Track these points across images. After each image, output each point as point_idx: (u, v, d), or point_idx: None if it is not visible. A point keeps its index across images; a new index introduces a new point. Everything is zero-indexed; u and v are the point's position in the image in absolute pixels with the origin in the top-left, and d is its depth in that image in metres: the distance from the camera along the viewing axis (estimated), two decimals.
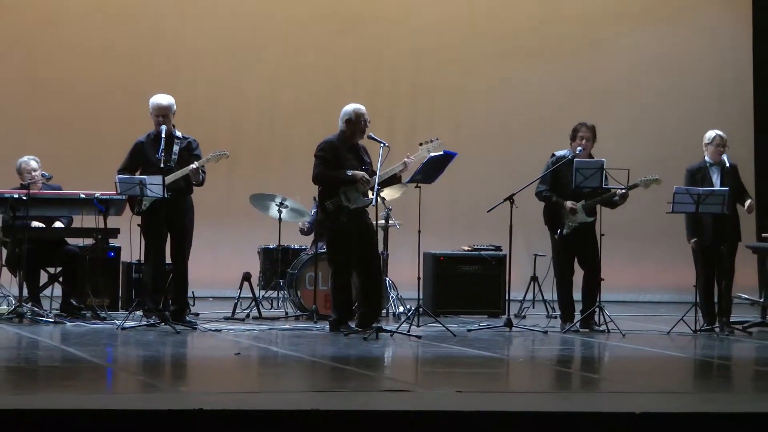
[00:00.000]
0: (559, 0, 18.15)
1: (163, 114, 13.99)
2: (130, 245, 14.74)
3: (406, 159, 13.77)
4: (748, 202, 14.35)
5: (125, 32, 17.20)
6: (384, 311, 14.22)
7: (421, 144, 13.89)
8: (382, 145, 13.71)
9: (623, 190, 14.29)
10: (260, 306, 15.09)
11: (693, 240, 14.66)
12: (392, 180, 13.87)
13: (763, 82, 16.52)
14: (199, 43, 17.28)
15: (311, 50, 17.37)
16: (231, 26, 17.43)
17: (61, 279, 14.88)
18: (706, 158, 14.61)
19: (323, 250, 14.46)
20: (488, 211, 14.40)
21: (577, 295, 14.55)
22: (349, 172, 13.45)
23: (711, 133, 14.79)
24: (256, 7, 17.33)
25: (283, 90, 16.98)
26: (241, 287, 15.19)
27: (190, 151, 13.91)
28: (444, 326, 14.15)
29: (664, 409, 9.52)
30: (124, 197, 14.05)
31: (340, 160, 13.56)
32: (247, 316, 14.90)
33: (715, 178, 14.59)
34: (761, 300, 15.10)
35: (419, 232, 14.44)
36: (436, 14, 17.79)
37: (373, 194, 13.58)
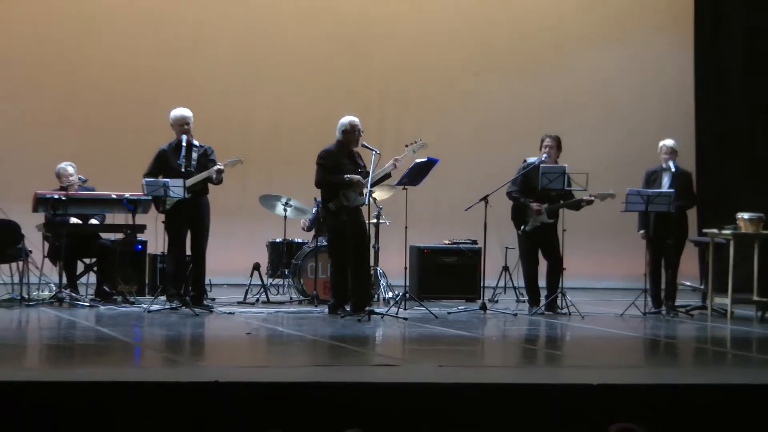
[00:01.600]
0: (529, 24, 18.10)
1: (183, 125, 14.03)
2: (156, 239, 14.86)
3: (395, 160, 13.86)
4: (680, 203, 14.48)
5: (150, 50, 17.12)
6: (375, 296, 14.27)
7: (406, 145, 13.90)
8: (374, 152, 13.81)
9: (583, 204, 14.43)
10: (268, 292, 15.08)
11: (641, 231, 14.81)
12: (384, 177, 14.01)
13: (703, 97, 16.57)
14: (215, 62, 17.23)
15: (312, 68, 17.35)
16: (243, 46, 17.36)
17: (95, 268, 14.87)
18: (661, 164, 14.74)
19: (322, 244, 14.54)
20: (466, 210, 14.40)
21: (542, 282, 14.64)
22: (347, 177, 13.59)
23: (661, 142, 14.91)
24: (266, 29, 17.24)
25: (287, 104, 16.98)
26: (251, 275, 15.18)
27: (206, 157, 13.93)
28: (427, 309, 14.16)
29: (618, 381, 9.55)
30: (149, 198, 14.08)
31: (339, 166, 13.61)
32: (257, 300, 14.89)
33: (665, 181, 14.63)
34: (701, 287, 15.17)
35: (406, 228, 14.47)
36: (420, 35, 17.76)
37: (365, 195, 13.72)
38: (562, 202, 14.38)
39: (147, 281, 15.12)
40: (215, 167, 13.80)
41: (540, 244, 14.59)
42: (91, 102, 16.99)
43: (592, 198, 14.50)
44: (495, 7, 17.99)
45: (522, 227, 14.54)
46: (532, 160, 14.62)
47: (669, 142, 14.88)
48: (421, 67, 17.77)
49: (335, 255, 13.94)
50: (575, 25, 18.24)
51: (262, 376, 9.73)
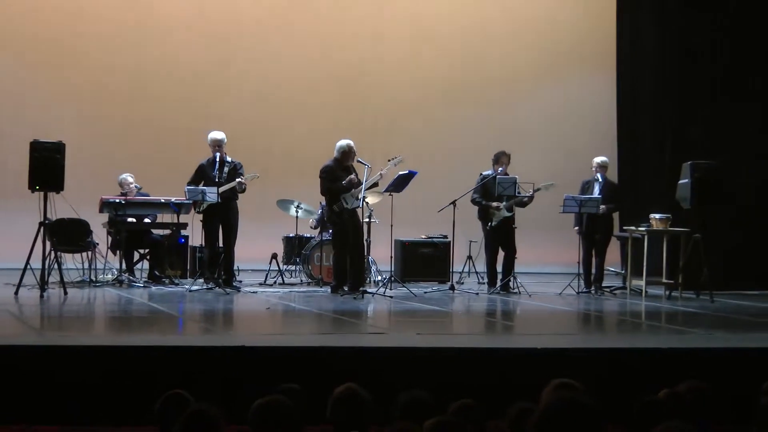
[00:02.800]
0: (488, 67, 18.02)
1: (217, 145, 14.00)
2: (192, 233, 14.75)
3: (381, 171, 13.86)
4: (603, 207, 14.51)
5: (191, 84, 17.07)
6: (367, 279, 14.25)
7: (389, 160, 13.89)
8: (366, 166, 13.83)
9: (532, 193, 14.42)
10: (283, 276, 15.06)
11: (576, 228, 14.82)
12: (374, 185, 13.97)
13: (622, 122, 16.55)
14: (244, 98, 17.17)
15: (317, 104, 17.28)
16: (264, 87, 17.24)
17: (148, 257, 14.84)
18: (593, 176, 14.76)
19: (326, 238, 14.49)
20: (438, 212, 14.33)
21: (499, 268, 14.63)
22: (345, 181, 13.54)
23: (594, 159, 14.98)
24: (281, 74, 17.16)
25: (298, 127, 16.93)
26: (270, 263, 15.10)
27: (236, 171, 13.88)
28: (408, 290, 14.08)
29: (557, 345, 9.58)
30: (190, 202, 14.09)
31: (337, 178, 13.57)
32: (275, 282, 14.77)
33: (596, 189, 14.64)
34: (622, 272, 15.18)
35: (391, 225, 14.40)
36: (403, 78, 17.65)
37: (360, 200, 13.73)
38: (515, 200, 14.38)
39: (188, 267, 15.08)
40: (237, 180, 13.81)
41: (500, 238, 14.58)
42: (146, 124, 16.94)
43: (535, 192, 14.46)
44: (463, 56, 17.94)
45: (489, 224, 14.53)
46: (487, 172, 14.62)
47: (598, 159, 14.89)
48: (403, 101, 17.73)
49: (336, 246, 13.93)
50: (524, 67, 18.20)
51: (278, 341, 9.74)
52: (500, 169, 14.58)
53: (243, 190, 14.01)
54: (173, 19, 17.19)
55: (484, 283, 14.88)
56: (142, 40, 17.06)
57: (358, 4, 17.71)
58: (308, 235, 15.21)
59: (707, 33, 15.72)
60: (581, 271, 14.75)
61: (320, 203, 14.52)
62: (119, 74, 16.96)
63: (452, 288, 14.72)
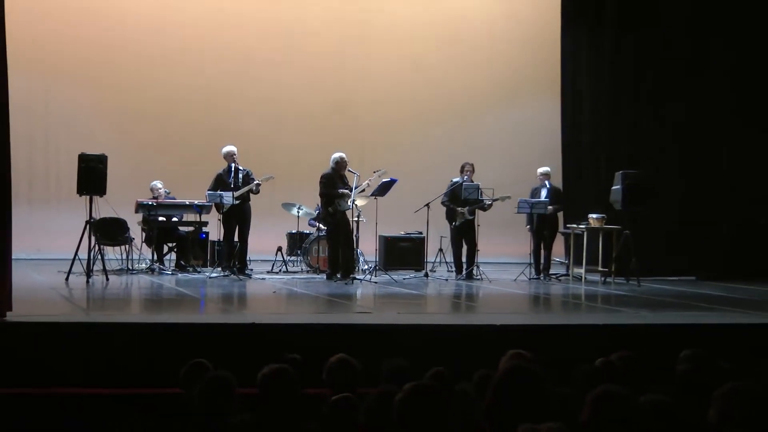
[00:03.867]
0: (453, 91, 17.94)
1: (230, 156, 14.04)
2: (212, 230, 14.79)
3: (368, 180, 13.87)
4: (550, 208, 14.58)
5: (212, 106, 16.94)
6: (356, 268, 14.21)
7: (374, 171, 13.93)
8: (356, 174, 13.83)
9: (491, 201, 14.44)
10: (287, 265, 15.03)
11: (528, 226, 14.84)
12: (362, 191, 13.94)
13: (566, 139, 16.47)
14: (254, 114, 17.06)
15: (315, 122, 17.25)
16: (272, 108, 17.23)
17: (175, 250, 14.85)
18: (539, 183, 14.79)
19: (322, 234, 14.36)
20: (415, 212, 14.29)
21: (464, 259, 14.63)
22: (340, 191, 13.57)
23: (539, 169, 15.03)
24: (285, 97, 17.16)
25: (300, 142, 16.83)
26: (276, 254, 15.09)
27: (248, 177, 13.88)
28: (390, 276, 14.09)
29: (513, 322, 9.61)
30: (211, 204, 14.06)
31: (334, 185, 13.58)
32: (280, 270, 14.73)
33: (543, 194, 14.67)
34: (566, 261, 15.18)
35: (376, 224, 14.30)
36: (385, 102, 17.63)
37: (350, 202, 13.74)
38: (476, 205, 14.39)
39: (209, 258, 15.03)
40: (255, 182, 13.84)
41: (463, 234, 14.57)
42: (174, 140, 16.86)
43: (493, 201, 14.49)
44: (434, 83, 17.91)
45: (453, 223, 14.55)
46: (456, 180, 14.64)
47: (543, 169, 14.97)
48: (386, 121, 17.68)
49: (331, 241, 13.92)
50: (484, 93, 18.13)
51: (283, 319, 9.76)
52: (465, 176, 14.61)
53: (258, 192, 14.02)
54: (198, 53, 17.11)
55: (452, 271, 14.87)
56: (172, 70, 16.98)
57: (350, 43, 17.64)
58: (307, 232, 15.19)
59: (632, 62, 15.77)
60: (532, 261, 14.77)
61: (317, 205, 14.48)
62: (152, 98, 16.88)
63: (426, 275, 14.73)
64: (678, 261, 15.33)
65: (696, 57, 15.40)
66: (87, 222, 12.56)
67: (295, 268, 15.02)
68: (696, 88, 15.43)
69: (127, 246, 14.42)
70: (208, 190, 14.10)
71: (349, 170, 13.86)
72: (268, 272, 14.68)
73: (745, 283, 14.23)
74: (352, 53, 17.67)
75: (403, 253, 15.19)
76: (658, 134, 15.66)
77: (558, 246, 15.33)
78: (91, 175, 12.53)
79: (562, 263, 15.53)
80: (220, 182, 14.10)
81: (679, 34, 15.42)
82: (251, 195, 14.04)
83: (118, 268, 14.05)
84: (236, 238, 14.12)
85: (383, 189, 14.03)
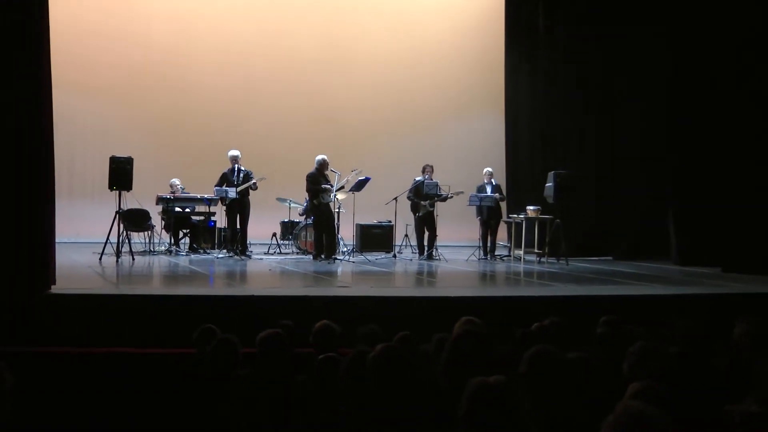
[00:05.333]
0: (413, 105, 17.85)
1: (234, 159, 14.01)
2: (216, 219, 14.76)
3: (347, 178, 13.87)
4: (497, 195, 14.63)
5: (220, 117, 16.76)
6: (337, 250, 14.18)
7: (352, 171, 13.95)
8: (336, 173, 13.82)
9: (448, 195, 14.45)
10: (280, 248, 14.99)
11: (478, 217, 14.86)
12: (341, 188, 13.94)
13: (508, 143, 16.57)
14: (254, 122, 16.92)
15: (304, 128, 17.18)
16: (270, 114, 17.12)
17: (188, 235, 14.80)
18: (485, 181, 14.83)
19: (309, 223, 14.27)
20: (386, 204, 14.31)
21: (425, 243, 14.66)
22: (323, 187, 13.55)
23: (485, 169, 15.04)
24: (281, 107, 17.04)
25: (291, 146, 16.72)
26: (271, 239, 15.03)
27: (248, 176, 13.84)
28: (365, 257, 14.13)
29: (465, 294, 9.63)
30: (218, 197, 14.05)
31: (318, 182, 13.52)
32: (274, 252, 14.74)
33: (489, 190, 14.69)
34: (508, 245, 15.20)
35: (354, 214, 14.38)
36: (360, 115, 17.64)
37: (332, 196, 13.73)
38: (435, 199, 14.39)
39: (216, 242, 14.95)
40: (252, 181, 13.81)
41: (425, 223, 14.57)
42: (188, 144, 16.74)
43: (450, 195, 14.52)
44: (402, 96, 17.87)
45: (417, 214, 14.55)
46: (419, 178, 14.64)
47: (488, 169, 15.01)
48: (362, 128, 17.65)
49: (316, 228, 13.88)
50: (440, 106, 18.10)
51: (277, 291, 9.71)
52: (426, 176, 14.63)
53: (255, 188, 13.98)
54: (208, 74, 17.03)
55: (415, 253, 14.88)
56: (187, 88, 16.90)
57: (333, 66, 17.59)
58: (297, 221, 15.15)
59: (562, 83, 15.88)
60: (481, 244, 14.80)
61: (305, 199, 14.46)
62: (170, 110, 16.83)
63: (394, 256, 14.73)
64: (597, 244, 15.45)
65: (606, 84, 15.57)
66: (116, 212, 12.52)
67: (287, 251, 14.99)
68: (607, 104, 15.60)
69: (149, 232, 14.38)
70: (216, 186, 14.09)
71: (330, 170, 13.85)
72: (264, 254, 14.64)
73: (650, 261, 14.34)
74: (335, 74, 17.65)
75: (375, 238, 15.18)
76: (581, 141, 15.83)
77: (502, 232, 15.38)
78: (120, 174, 12.50)
79: (505, 246, 15.57)
80: (226, 180, 14.06)
81: (595, 63, 15.55)
82: (250, 191, 14.00)
83: (142, 250, 13.99)
84: (238, 226, 14.07)
85: (359, 185, 14.02)
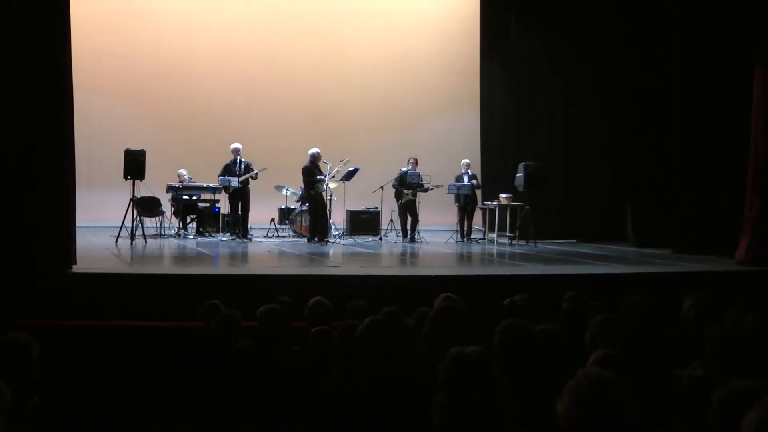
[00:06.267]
0: (396, 100, 17.85)
1: (236, 151, 14.04)
2: (220, 205, 14.70)
3: (337, 168, 13.89)
4: (474, 182, 14.67)
5: (224, 113, 16.73)
6: (329, 234, 14.20)
7: (341, 161, 14.00)
8: (328, 165, 13.80)
9: (428, 187, 14.51)
10: (278, 231, 15.03)
11: (456, 204, 14.90)
12: (333, 177, 13.92)
13: (483, 137, 16.60)
14: (256, 118, 16.89)
15: (300, 123, 17.14)
16: (269, 110, 17.11)
17: (195, 220, 14.80)
18: (462, 171, 14.87)
19: (304, 209, 14.28)
20: (372, 192, 14.36)
21: (409, 227, 14.70)
22: (317, 177, 13.57)
23: (462, 161, 15.11)
24: (279, 103, 17.04)
25: (288, 140, 16.69)
26: (270, 223, 15.01)
27: (248, 167, 13.87)
28: (354, 240, 14.17)
29: (444, 273, 9.66)
30: (221, 186, 14.00)
31: (313, 173, 13.53)
32: (273, 235, 14.71)
33: (465, 179, 14.74)
34: (483, 229, 15.25)
35: (344, 201, 14.43)
36: (350, 113, 17.62)
37: (325, 185, 13.73)
38: (416, 188, 14.43)
39: (220, 226, 14.93)
40: (253, 172, 13.83)
41: (408, 209, 14.61)
42: (196, 138, 16.69)
43: (431, 188, 14.56)
44: (388, 94, 17.84)
45: (400, 201, 14.59)
46: (403, 169, 14.67)
47: (465, 160, 15.10)
48: (351, 125, 17.59)
49: (311, 214, 13.88)
50: (423, 105, 18.03)
51: (275, 271, 9.73)
52: (410, 167, 14.67)
53: (256, 178, 14.00)
54: (214, 75, 17.00)
55: (400, 236, 14.90)
56: (195, 87, 16.88)
57: (325, 70, 17.55)
58: (293, 207, 15.13)
59: (530, 83, 15.91)
60: (458, 228, 14.85)
61: (300, 187, 14.42)
62: (180, 108, 16.83)
63: (381, 239, 14.73)
64: (563, 228, 15.47)
65: (570, 82, 15.61)
66: (131, 199, 12.51)
67: (284, 234, 14.98)
68: (572, 100, 15.63)
69: (160, 217, 14.37)
70: (219, 175, 14.07)
71: (323, 162, 13.85)
72: (264, 237, 14.64)
73: (610, 243, 14.38)
74: (327, 76, 17.62)
75: (363, 222, 15.18)
76: (549, 135, 15.82)
77: (477, 217, 15.41)
78: (134, 165, 12.48)
79: (480, 230, 15.60)
80: (228, 170, 14.04)
81: (561, 65, 15.59)
82: (251, 180, 14.00)
83: (154, 233, 13.97)
84: (240, 212, 14.05)
85: (348, 176, 14.03)
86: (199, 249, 12.36)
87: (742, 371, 3.44)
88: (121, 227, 12.59)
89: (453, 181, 14.86)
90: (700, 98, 12.33)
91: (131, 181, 12.47)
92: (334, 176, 13.96)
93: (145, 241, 12.68)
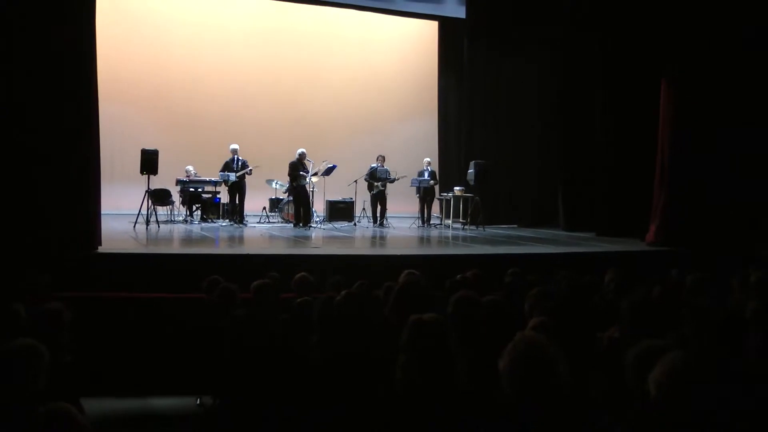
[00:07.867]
0: (365, 108, 17.87)
1: (234, 151, 13.83)
2: (221, 196, 14.55)
3: (319, 166, 13.83)
4: (432, 182, 14.66)
5: (224, 117, 16.62)
6: (311, 220, 14.15)
7: (323, 161, 13.89)
8: (311, 162, 13.69)
9: (395, 178, 14.50)
10: (269, 218, 14.95)
11: (417, 195, 14.90)
12: (315, 173, 13.85)
13: (441, 139, 16.62)
14: (251, 122, 16.80)
15: (289, 127, 17.06)
16: (263, 115, 17.05)
17: (200, 208, 14.66)
18: (424, 168, 14.87)
19: (290, 199, 14.23)
20: (348, 185, 14.42)
21: (378, 214, 14.67)
22: (302, 173, 13.47)
23: (424, 159, 15.10)
24: (270, 109, 17.00)
25: (278, 141, 16.60)
26: (262, 211, 14.95)
27: (244, 164, 13.77)
28: (333, 225, 14.12)
29: (407, 253, 9.65)
30: (222, 180, 13.85)
31: (298, 170, 13.44)
32: (264, 221, 14.61)
33: (426, 174, 14.72)
34: (440, 216, 15.27)
35: (324, 192, 14.37)
36: (329, 118, 17.55)
37: (308, 179, 13.64)
38: (385, 180, 14.40)
39: (220, 213, 14.80)
40: (248, 168, 13.73)
41: (378, 199, 14.58)
42: (200, 139, 16.51)
43: (397, 178, 14.54)
44: (357, 102, 17.79)
45: (372, 192, 14.54)
46: (373, 165, 14.63)
47: (426, 159, 15.08)
48: (330, 128, 17.53)
49: (296, 203, 13.78)
50: (390, 113, 18.03)
51: (267, 251, 9.63)
52: (379, 163, 14.62)
53: (250, 174, 13.89)
54: (216, 84, 16.88)
55: (371, 222, 14.87)
56: (199, 95, 16.73)
57: (307, 80, 17.47)
58: (282, 197, 15.04)
59: (482, 98, 15.95)
60: (420, 216, 14.81)
61: (287, 181, 14.29)
62: (186, 113, 16.68)
63: (355, 225, 14.66)
64: (506, 215, 15.55)
65: (512, 93, 15.59)
66: (146, 191, 12.40)
67: (274, 220, 14.89)
68: (514, 108, 15.64)
69: (170, 206, 14.23)
70: (220, 171, 13.92)
71: (307, 159, 13.74)
72: (257, 223, 14.54)
73: (545, 228, 14.48)
74: (311, 88, 17.55)
75: (340, 210, 15.13)
76: (495, 138, 15.87)
77: (435, 207, 15.41)
78: (149, 162, 12.34)
79: (437, 217, 15.62)
80: (228, 167, 13.89)
81: (505, 78, 15.63)
82: (246, 176, 13.88)
83: (165, 220, 13.81)
84: (237, 202, 13.93)
85: (328, 171, 13.93)
86: (203, 233, 12.25)
87: (651, 333, 3.48)
88: (138, 215, 12.45)
89: (415, 176, 14.85)
90: (619, 107, 12.45)
91: (146, 175, 12.34)
92: (316, 172, 13.89)
93: (158, 226, 12.55)
